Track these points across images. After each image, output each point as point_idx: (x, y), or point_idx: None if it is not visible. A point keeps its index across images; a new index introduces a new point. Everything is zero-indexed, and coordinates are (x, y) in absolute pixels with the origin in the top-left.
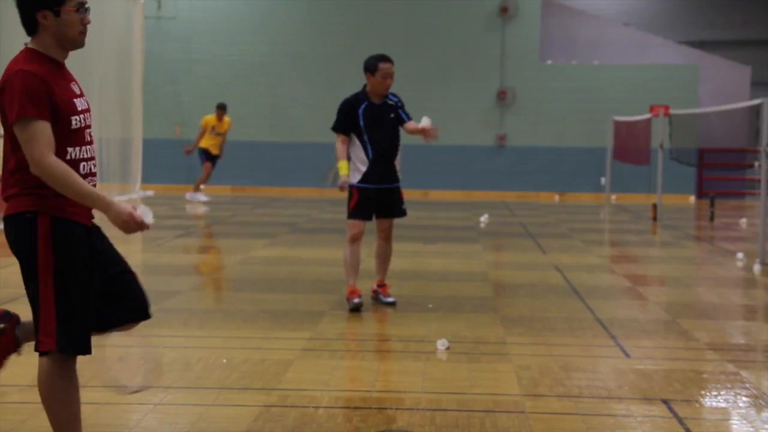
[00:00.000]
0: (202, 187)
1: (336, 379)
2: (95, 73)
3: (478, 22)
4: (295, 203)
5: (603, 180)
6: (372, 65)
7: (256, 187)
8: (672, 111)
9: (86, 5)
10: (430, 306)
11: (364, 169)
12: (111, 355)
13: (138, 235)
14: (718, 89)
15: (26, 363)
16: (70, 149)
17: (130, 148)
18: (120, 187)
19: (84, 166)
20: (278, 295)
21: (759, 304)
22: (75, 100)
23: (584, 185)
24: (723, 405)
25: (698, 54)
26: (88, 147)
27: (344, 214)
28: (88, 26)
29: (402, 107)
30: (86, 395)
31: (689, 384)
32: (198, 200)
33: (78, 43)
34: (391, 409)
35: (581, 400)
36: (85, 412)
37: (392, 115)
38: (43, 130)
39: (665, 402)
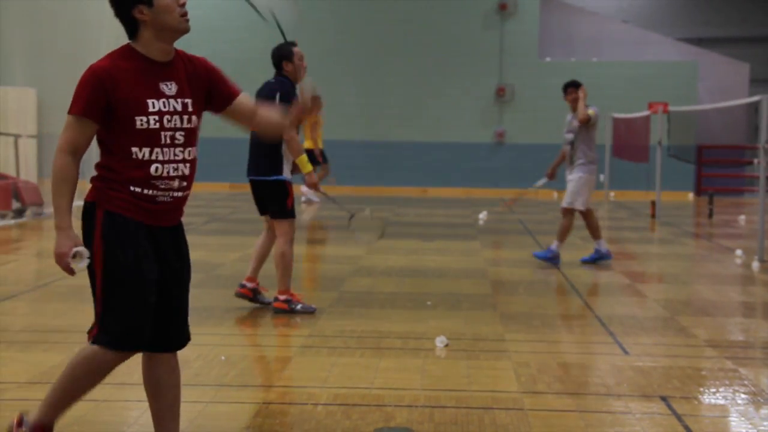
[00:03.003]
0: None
1: (335, 376)
2: None
3: (477, 19)
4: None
5: (602, 177)
6: (287, 51)
7: None
8: (671, 108)
9: None
10: (429, 303)
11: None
12: None
13: None
14: (717, 86)
15: (25, 360)
16: (135, 149)
17: None
18: None
19: (158, 168)
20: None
21: (757, 301)
22: (151, 100)
23: None
24: (721, 402)
25: (697, 51)
26: (167, 149)
27: (345, 213)
28: (185, 8)
29: None
30: None
31: (688, 381)
32: (313, 200)
33: (181, 28)
34: (390, 406)
35: (580, 397)
36: (85, 409)
37: None
38: (77, 128)
39: (664, 399)
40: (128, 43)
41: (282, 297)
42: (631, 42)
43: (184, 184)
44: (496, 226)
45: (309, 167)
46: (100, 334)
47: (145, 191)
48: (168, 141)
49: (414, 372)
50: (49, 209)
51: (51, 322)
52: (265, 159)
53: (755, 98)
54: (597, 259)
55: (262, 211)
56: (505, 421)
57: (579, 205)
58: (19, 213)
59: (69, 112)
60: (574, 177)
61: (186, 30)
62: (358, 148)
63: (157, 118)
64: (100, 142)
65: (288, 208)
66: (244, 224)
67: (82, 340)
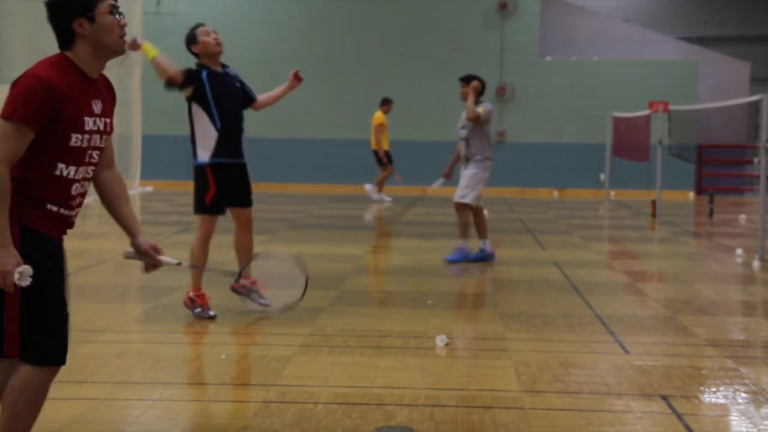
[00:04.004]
0: (373, 187)
1: (335, 375)
2: None
3: (478, 18)
4: (294, 199)
5: (602, 176)
6: (191, 36)
7: (255, 183)
8: (671, 107)
9: (119, 7)
10: (429, 302)
11: (213, 144)
12: (109, 351)
13: None
14: (718, 85)
15: None
16: (61, 165)
17: (130, 145)
18: None
19: (76, 187)
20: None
21: (758, 300)
22: (87, 118)
23: (583, 181)
24: (722, 401)
25: (697, 50)
26: (86, 168)
27: (346, 211)
28: (125, 30)
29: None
30: (86, 392)
31: (688, 380)
32: (384, 200)
33: (118, 49)
34: (390, 405)
35: (580, 396)
36: (85, 408)
37: (238, 85)
38: (17, 136)
39: (664, 398)
40: (64, 54)
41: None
42: (631, 41)
43: (82, 200)
44: (496, 225)
45: (153, 52)
46: (32, 351)
47: (62, 210)
48: (89, 160)
49: (414, 371)
50: None
51: None
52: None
53: (756, 97)
54: (480, 259)
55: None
56: (505, 420)
57: (469, 200)
58: None
59: (9, 119)
60: (468, 172)
61: (122, 52)
62: (358, 147)
63: (88, 137)
64: (23, 158)
65: (203, 201)
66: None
67: (83, 338)
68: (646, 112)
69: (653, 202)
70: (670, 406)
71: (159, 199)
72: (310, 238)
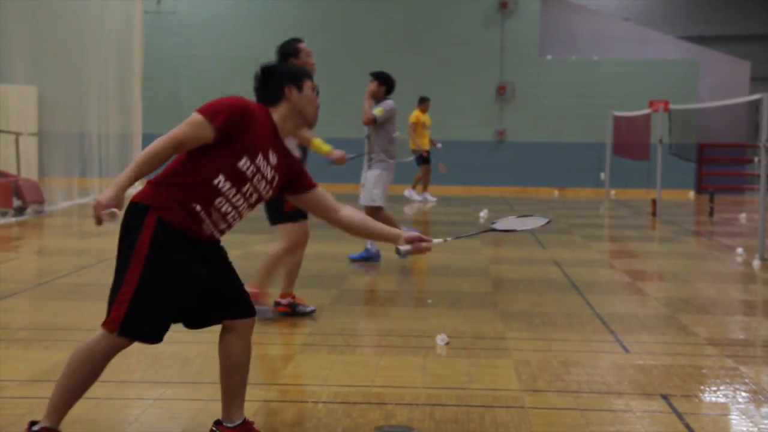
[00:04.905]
0: (412, 189)
1: (335, 374)
2: (95, 69)
3: (478, 17)
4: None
5: (602, 175)
6: (293, 48)
7: None
8: (671, 106)
9: (318, 90)
10: (430, 301)
11: None
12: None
13: None
14: (718, 84)
15: (26, 358)
16: (221, 177)
17: (130, 143)
18: None
19: (222, 202)
20: (277, 290)
21: (758, 299)
22: (261, 156)
23: (584, 180)
24: (722, 400)
25: (698, 49)
26: (241, 198)
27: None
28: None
29: None
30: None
31: (688, 379)
32: (429, 201)
33: (312, 119)
34: (391, 404)
35: (580, 395)
36: (85, 407)
37: None
38: (197, 128)
39: (664, 397)
40: (268, 107)
41: (284, 301)
42: (631, 40)
43: (227, 230)
44: None
45: (326, 147)
46: (123, 327)
47: (202, 213)
48: (247, 193)
49: (415, 370)
50: (49, 207)
51: (52, 320)
52: None
53: (756, 96)
54: (366, 259)
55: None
56: (505, 419)
57: (381, 203)
58: (20, 211)
59: (202, 113)
60: (371, 174)
61: (312, 124)
62: (358, 146)
63: (254, 170)
64: (194, 153)
65: (286, 211)
66: (245, 222)
67: (83, 337)
68: (647, 111)
69: (653, 201)
70: (670, 405)
71: None
72: (311, 237)
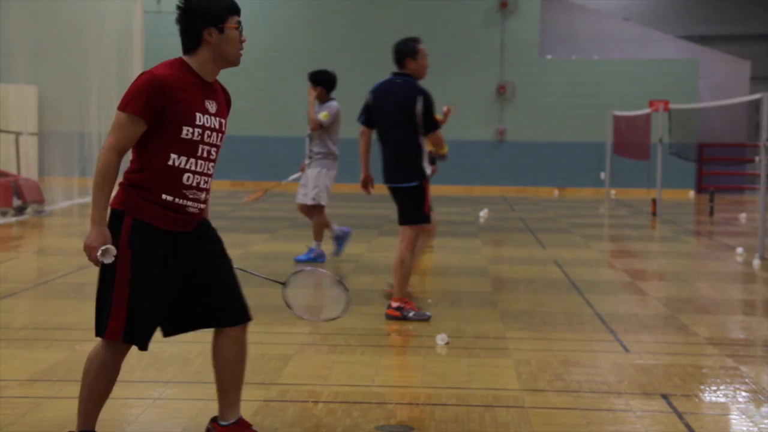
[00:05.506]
0: None
1: (335, 374)
2: (95, 68)
3: (478, 16)
4: (295, 198)
5: (602, 175)
6: (412, 49)
7: (256, 182)
8: (671, 106)
9: (241, 24)
10: (430, 301)
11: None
12: None
13: None
14: (718, 84)
15: (26, 358)
16: (173, 155)
17: None
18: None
19: (189, 177)
20: (278, 290)
21: (758, 299)
22: (199, 114)
23: (584, 180)
24: (722, 400)
25: (698, 49)
26: (202, 162)
27: (346, 210)
28: (243, 44)
29: None
30: None
31: (688, 379)
32: None
33: (235, 60)
34: (391, 403)
35: (580, 394)
36: None
37: None
38: (129, 127)
39: (664, 397)
40: (181, 58)
41: (395, 304)
42: (631, 40)
43: (208, 196)
44: (496, 223)
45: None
46: (128, 333)
47: (177, 200)
48: (204, 154)
49: (415, 370)
50: (49, 207)
51: (52, 320)
52: (401, 168)
53: (756, 96)
54: (311, 260)
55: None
56: (505, 419)
57: (323, 201)
58: (20, 210)
59: (123, 110)
60: (312, 172)
61: (237, 64)
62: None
63: (200, 131)
64: (138, 147)
65: (424, 209)
66: (245, 222)
67: (83, 337)
68: (647, 110)
69: (654, 201)
70: (670, 404)
71: None
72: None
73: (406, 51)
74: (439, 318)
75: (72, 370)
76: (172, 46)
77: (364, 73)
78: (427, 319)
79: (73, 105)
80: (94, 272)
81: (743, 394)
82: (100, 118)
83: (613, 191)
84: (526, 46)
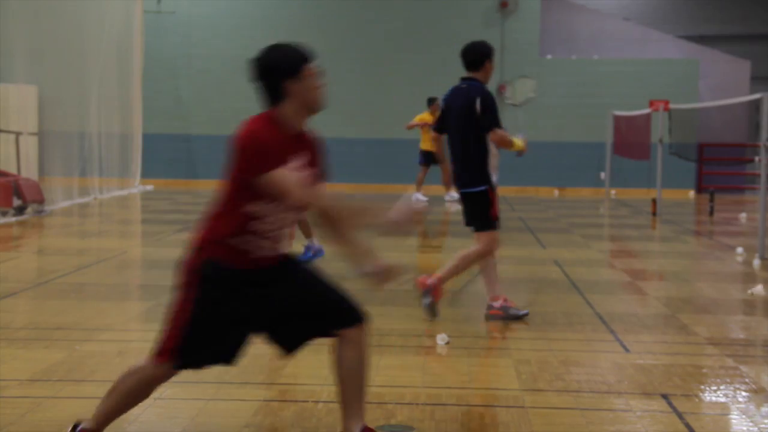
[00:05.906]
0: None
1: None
2: (95, 68)
3: (478, 16)
4: None
5: (602, 175)
6: (489, 52)
7: None
8: (672, 105)
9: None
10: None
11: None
12: (110, 349)
13: (137, 229)
14: (718, 84)
15: (26, 358)
16: (258, 206)
17: (130, 143)
18: (119, 182)
19: (270, 222)
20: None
21: (758, 299)
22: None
23: (584, 180)
24: (722, 399)
25: (698, 48)
26: (285, 211)
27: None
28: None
29: None
30: (86, 390)
31: (689, 379)
32: (421, 200)
33: (319, 107)
34: (391, 403)
35: (581, 394)
36: (85, 406)
37: None
38: (283, 173)
39: (665, 396)
40: (269, 111)
41: (497, 304)
42: (632, 39)
43: (290, 239)
44: None
45: (518, 144)
46: (176, 360)
47: (251, 243)
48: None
49: (415, 370)
50: (49, 207)
51: (52, 320)
52: (466, 171)
53: (756, 96)
54: (313, 257)
55: (466, 222)
56: (505, 419)
57: None
58: (20, 210)
59: (270, 171)
60: None
61: (320, 110)
62: (359, 146)
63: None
64: (229, 194)
65: (491, 216)
66: None
67: (83, 337)
68: (647, 110)
69: (654, 201)
70: (670, 404)
71: (159, 197)
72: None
73: (487, 52)
74: (440, 318)
75: (72, 370)
76: (172, 46)
77: (364, 73)
78: (524, 316)
79: (73, 105)
80: (93, 272)
81: (743, 394)
82: (100, 118)
83: (613, 191)
84: (526, 46)
